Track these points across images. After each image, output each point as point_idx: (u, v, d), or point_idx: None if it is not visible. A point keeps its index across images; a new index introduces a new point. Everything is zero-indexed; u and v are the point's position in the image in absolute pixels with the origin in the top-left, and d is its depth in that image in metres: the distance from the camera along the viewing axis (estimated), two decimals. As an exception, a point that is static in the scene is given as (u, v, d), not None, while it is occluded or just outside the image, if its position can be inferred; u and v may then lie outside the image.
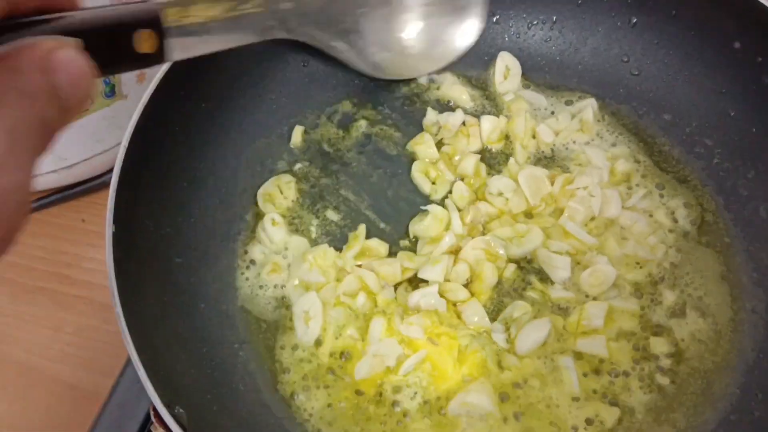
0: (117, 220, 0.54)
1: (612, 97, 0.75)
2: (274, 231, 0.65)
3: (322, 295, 0.61)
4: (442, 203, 0.68)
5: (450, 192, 0.68)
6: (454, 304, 0.61)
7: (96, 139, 0.89)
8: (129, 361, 0.70)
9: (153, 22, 0.40)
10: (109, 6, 0.37)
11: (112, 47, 0.37)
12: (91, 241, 0.93)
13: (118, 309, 0.50)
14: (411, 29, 0.70)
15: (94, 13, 0.36)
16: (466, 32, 0.71)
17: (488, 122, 0.71)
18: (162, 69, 0.61)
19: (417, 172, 0.69)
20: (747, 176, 0.67)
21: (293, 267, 0.64)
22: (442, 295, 0.61)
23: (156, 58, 0.41)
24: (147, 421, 0.65)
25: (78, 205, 0.95)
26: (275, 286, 0.64)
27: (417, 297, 0.61)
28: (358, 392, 0.58)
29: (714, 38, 0.69)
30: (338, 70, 0.72)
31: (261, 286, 0.64)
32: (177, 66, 0.60)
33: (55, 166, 0.90)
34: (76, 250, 0.92)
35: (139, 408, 0.66)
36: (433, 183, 0.69)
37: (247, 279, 0.64)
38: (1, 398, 0.72)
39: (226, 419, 0.54)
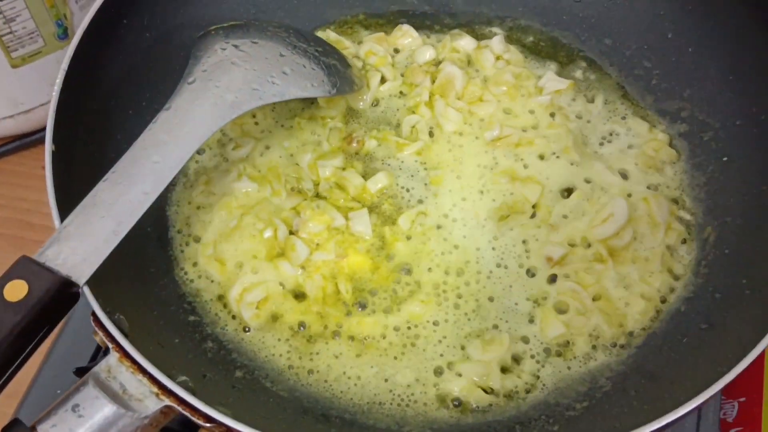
0: (56, 140, 0.55)
1: (556, 24, 0.76)
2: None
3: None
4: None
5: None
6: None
7: (51, 82, 0.88)
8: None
9: None
10: None
11: None
12: (51, 187, 0.94)
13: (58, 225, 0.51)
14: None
15: None
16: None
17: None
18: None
19: None
20: (683, 95, 0.69)
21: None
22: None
23: None
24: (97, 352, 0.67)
25: (37, 152, 0.96)
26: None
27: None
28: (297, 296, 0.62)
29: (651, -38, 0.71)
30: None
31: (199, 207, 0.66)
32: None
33: (11, 111, 0.90)
34: (36, 196, 0.93)
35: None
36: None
37: (187, 202, 0.66)
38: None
39: (167, 327, 0.56)
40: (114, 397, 0.45)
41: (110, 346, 0.47)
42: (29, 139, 0.95)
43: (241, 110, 0.58)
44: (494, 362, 0.58)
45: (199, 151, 0.69)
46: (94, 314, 0.48)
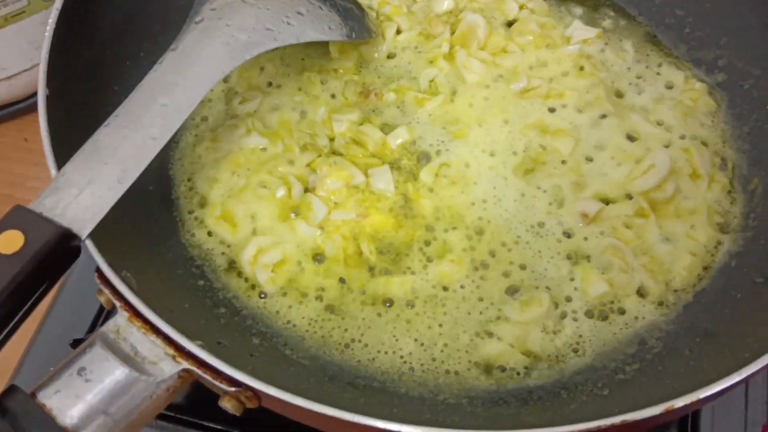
0: (50, 85, 0.50)
1: (583, -27, 0.71)
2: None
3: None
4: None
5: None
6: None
7: (35, 45, 0.83)
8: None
9: None
10: None
11: None
12: (35, 159, 0.88)
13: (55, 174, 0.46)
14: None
15: None
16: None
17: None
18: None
19: None
20: (719, 43, 0.65)
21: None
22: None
23: None
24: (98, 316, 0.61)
25: (20, 123, 0.90)
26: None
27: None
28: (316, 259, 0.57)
29: None
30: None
31: (204, 165, 0.61)
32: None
33: (-7, 78, 0.84)
34: (20, 169, 0.88)
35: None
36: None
37: (191, 159, 0.61)
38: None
39: (176, 292, 0.51)
40: (125, 359, 0.40)
41: (118, 305, 0.42)
42: (12, 109, 0.88)
43: (255, 51, 0.53)
44: (533, 324, 0.53)
45: (202, 104, 0.64)
46: (98, 270, 0.43)
